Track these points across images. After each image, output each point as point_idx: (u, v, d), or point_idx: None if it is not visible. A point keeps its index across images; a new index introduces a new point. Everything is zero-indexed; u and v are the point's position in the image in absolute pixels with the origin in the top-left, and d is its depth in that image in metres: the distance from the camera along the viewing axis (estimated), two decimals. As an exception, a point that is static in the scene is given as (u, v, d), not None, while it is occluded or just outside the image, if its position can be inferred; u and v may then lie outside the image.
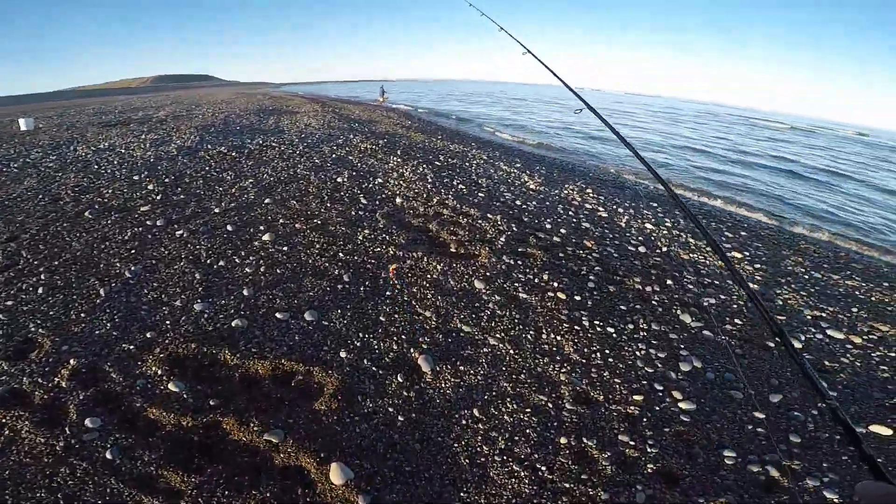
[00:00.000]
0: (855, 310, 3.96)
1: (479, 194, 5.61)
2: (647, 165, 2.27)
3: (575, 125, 18.88)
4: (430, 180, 6.03)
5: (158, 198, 4.87)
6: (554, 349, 2.83)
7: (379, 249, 3.90)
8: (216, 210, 4.60)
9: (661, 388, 2.59)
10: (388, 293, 3.26)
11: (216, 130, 9.82)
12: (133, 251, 3.68)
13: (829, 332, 3.51)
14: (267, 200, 4.91)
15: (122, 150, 7.28)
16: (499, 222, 4.65)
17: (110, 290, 3.08)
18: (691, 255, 4.59)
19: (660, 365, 2.83)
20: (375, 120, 13.83)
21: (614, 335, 3.04)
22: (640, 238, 4.78)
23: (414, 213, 4.77)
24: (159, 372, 2.34)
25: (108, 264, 3.46)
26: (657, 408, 2.44)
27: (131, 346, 2.52)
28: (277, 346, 2.62)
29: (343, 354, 2.60)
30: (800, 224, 7.43)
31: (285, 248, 3.83)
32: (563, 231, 4.64)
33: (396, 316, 3.02)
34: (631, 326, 3.18)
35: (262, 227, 4.21)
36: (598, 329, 3.07)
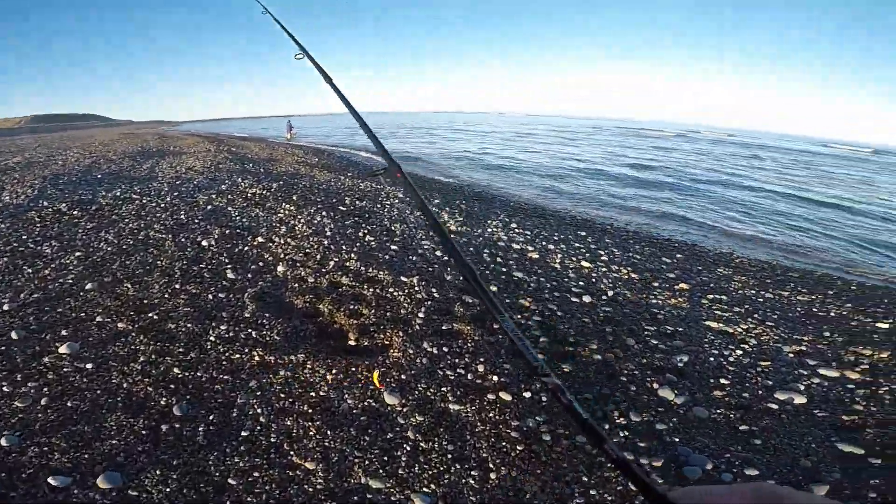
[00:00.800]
0: (827, 334, 3.53)
1: (392, 247, 4.64)
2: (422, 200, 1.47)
3: (485, 153, 18.87)
4: (328, 233, 4.94)
5: None
6: (512, 495, 1.89)
7: (238, 356, 2.74)
8: (5, 306, 3.16)
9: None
10: (244, 434, 2.14)
11: (68, 181, 7.99)
12: None
13: (820, 371, 2.97)
14: (89, 286, 3.52)
15: None
16: (416, 287, 3.69)
17: None
18: (640, 295, 3.97)
19: (660, 480, 2.00)
20: (276, 158, 12.45)
21: (588, 448, 2.17)
22: (580, 283, 4.08)
23: (301, 286, 3.66)
24: None
25: None
26: None
27: None
28: None
29: None
30: (710, 238, 7.38)
31: (89, 367, 2.53)
32: (493, 288, 3.79)
33: (257, 474, 1.91)
34: (606, 426, 2.35)
35: (63, 333, 2.87)
36: (566, 443, 2.19)
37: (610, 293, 3.89)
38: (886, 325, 3.73)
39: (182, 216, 5.52)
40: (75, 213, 5.60)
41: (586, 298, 3.69)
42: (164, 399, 2.34)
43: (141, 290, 3.54)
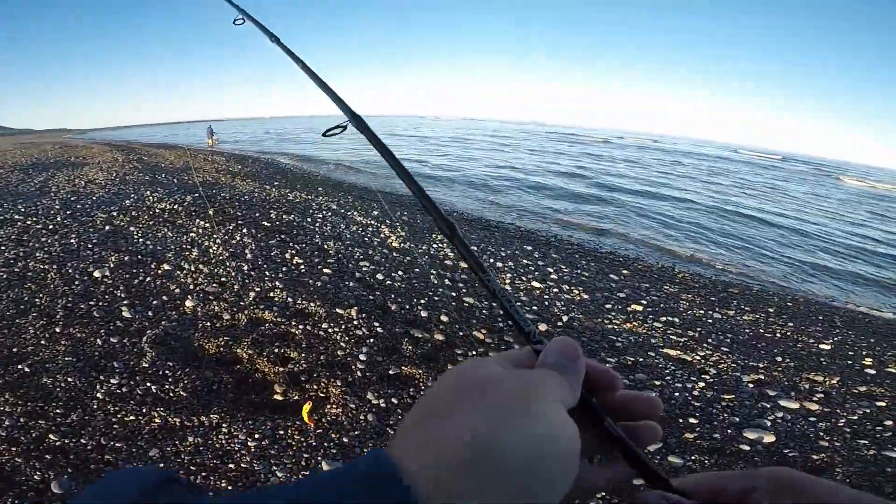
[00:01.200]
0: (779, 359, 3.50)
1: (325, 271, 4.09)
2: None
3: (424, 161, 18.59)
4: (248, 256, 4.29)
5: None
6: None
7: (133, 418, 2.12)
8: None
9: None
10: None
11: None
12: None
13: (781, 403, 2.87)
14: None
15: None
16: (355, 320, 3.20)
17: None
18: (594, 319, 3.77)
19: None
20: (193, 167, 11.26)
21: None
22: (533, 307, 3.80)
23: (213, 325, 3.03)
24: None
25: None
26: None
27: None
28: None
29: None
30: (648, 252, 7.55)
31: None
32: (444, 319, 3.39)
33: None
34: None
35: None
36: None
37: (565, 318, 3.65)
38: (828, 346, 3.82)
39: (73, 240, 4.59)
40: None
41: (542, 326, 3.40)
42: (38, 473, 1.74)
43: (10, 337, 2.76)
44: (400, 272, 4.23)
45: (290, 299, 3.42)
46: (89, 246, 4.42)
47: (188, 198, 6.74)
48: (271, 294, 3.50)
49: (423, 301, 3.61)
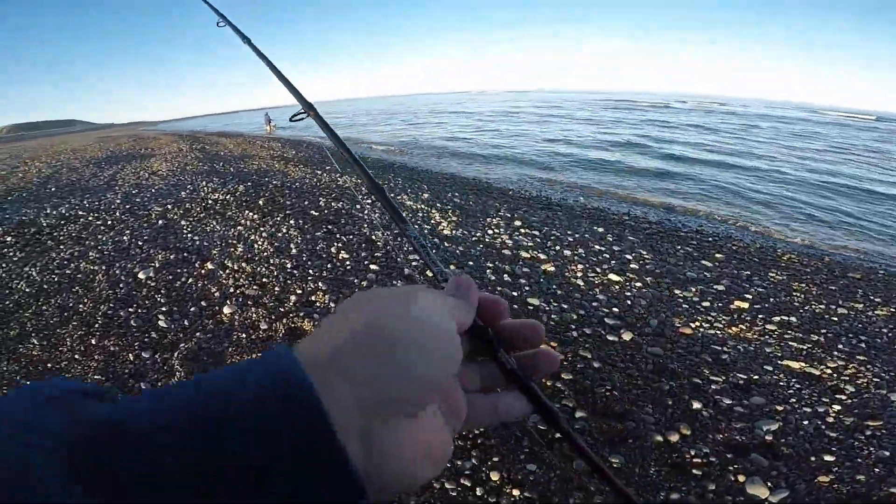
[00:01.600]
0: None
1: (373, 267, 3.71)
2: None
3: (480, 134, 17.78)
4: (293, 252, 4.01)
5: None
6: None
7: None
8: None
9: None
10: None
11: (18, 197, 7.12)
12: None
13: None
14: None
15: None
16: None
17: None
18: (691, 323, 3.10)
19: None
20: (250, 154, 11.40)
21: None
22: (613, 308, 3.18)
23: (248, 337, 2.73)
24: None
25: None
26: None
27: None
28: None
29: None
30: (737, 229, 6.50)
31: None
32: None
33: None
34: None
35: None
36: None
37: (653, 322, 3.01)
38: None
39: (125, 237, 4.58)
40: (9, 239, 4.68)
41: (626, 335, 2.81)
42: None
43: (47, 349, 2.65)
44: (452, 265, 3.77)
45: (332, 304, 3.07)
46: (139, 243, 4.37)
47: (241, 187, 6.67)
48: (313, 298, 3.17)
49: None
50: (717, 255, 4.51)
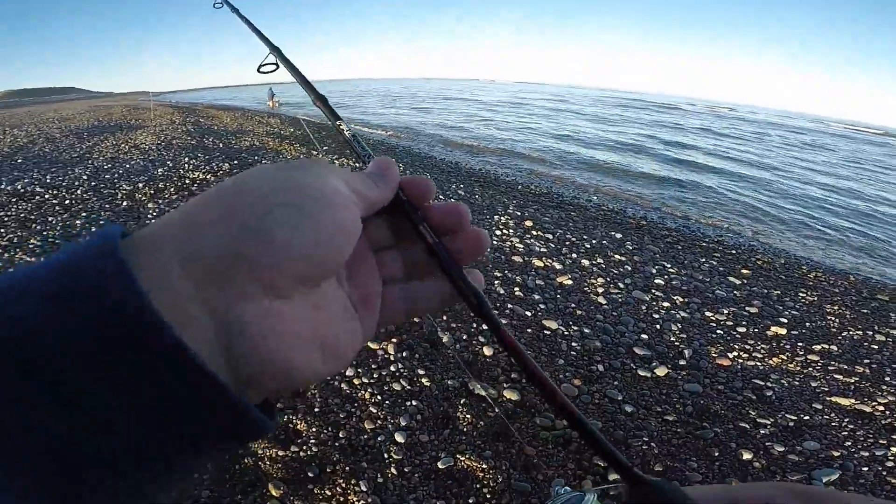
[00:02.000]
0: None
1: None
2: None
3: (486, 124, 17.23)
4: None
5: None
6: None
7: None
8: None
9: None
10: None
11: None
12: None
13: None
14: None
15: None
16: (392, 360, 2.36)
17: None
18: (728, 354, 2.69)
19: None
20: (245, 130, 10.84)
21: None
22: (641, 335, 2.76)
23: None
24: None
25: None
26: None
27: None
28: None
29: None
30: (758, 242, 6.09)
31: None
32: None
33: None
34: None
35: None
36: None
37: (688, 353, 2.60)
38: None
39: (78, 222, 4.09)
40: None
41: (659, 371, 2.39)
42: None
43: None
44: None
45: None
46: (93, 229, 3.89)
47: (225, 165, 6.17)
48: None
49: (484, 327, 2.70)
50: (744, 271, 4.11)
